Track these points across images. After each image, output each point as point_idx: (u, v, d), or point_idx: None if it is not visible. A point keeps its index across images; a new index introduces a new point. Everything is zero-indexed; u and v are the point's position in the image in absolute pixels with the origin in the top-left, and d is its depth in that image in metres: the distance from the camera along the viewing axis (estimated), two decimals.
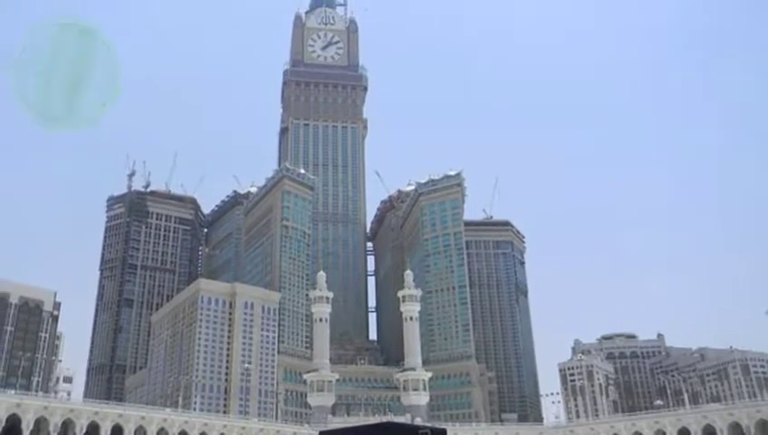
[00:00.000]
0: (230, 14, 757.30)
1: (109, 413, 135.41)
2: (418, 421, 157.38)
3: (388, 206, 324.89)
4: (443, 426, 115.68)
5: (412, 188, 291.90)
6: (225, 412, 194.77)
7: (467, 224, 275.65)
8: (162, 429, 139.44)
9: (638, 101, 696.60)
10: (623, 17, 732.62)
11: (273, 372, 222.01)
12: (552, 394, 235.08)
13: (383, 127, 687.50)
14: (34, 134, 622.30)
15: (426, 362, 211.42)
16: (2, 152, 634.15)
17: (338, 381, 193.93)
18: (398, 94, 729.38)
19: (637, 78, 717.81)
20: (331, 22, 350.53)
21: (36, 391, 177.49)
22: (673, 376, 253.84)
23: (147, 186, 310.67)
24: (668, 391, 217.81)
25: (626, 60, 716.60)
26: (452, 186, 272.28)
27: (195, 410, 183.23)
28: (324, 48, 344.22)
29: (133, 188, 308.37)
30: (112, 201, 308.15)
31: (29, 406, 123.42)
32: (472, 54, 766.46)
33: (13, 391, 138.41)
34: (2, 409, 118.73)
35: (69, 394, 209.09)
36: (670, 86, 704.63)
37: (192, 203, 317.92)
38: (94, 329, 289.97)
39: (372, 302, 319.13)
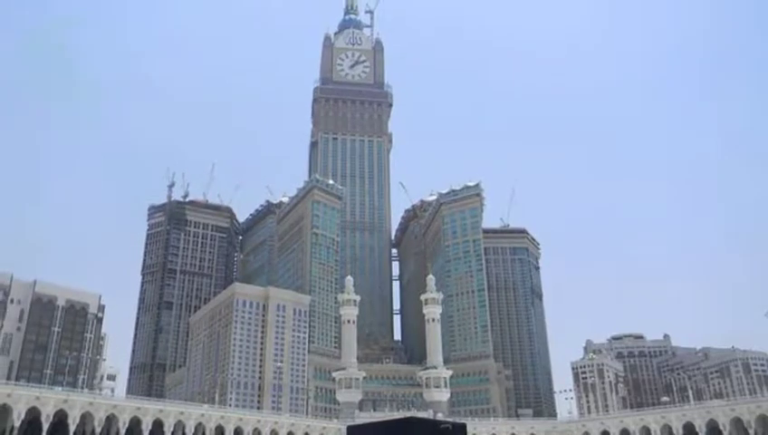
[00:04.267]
0: (263, 35, 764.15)
1: (150, 409, 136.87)
2: (440, 416, 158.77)
3: (411, 215, 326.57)
4: (463, 421, 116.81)
5: (434, 198, 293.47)
6: (258, 408, 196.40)
7: (485, 231, 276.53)
8: (200, 423, 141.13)
9: (646, 112, 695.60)
10: (631, 35, 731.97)
11: (303, 371, 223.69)
12: (565, 391, 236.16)
13: (407, 140, 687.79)
14: (80, 146, 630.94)
15: (447, 361, 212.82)
16: (50, 163, 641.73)
17: (365, 378, 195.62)
18: (421, 109, 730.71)
19: (648, 89, 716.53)
20: (359, 42, 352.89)
21: (82, 388, 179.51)
22: (678, 374, 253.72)
23: (185, 196, 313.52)
24: (674, 388, 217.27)
25: (636, 72, 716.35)
26: (471, 196, 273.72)
27: (230, 406, 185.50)
28: (352, 67, 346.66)
29: (173, 198, 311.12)
30: (153, 210, 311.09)
31: (75, 402, 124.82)
32: (488, 70, 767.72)
33: (60, 389, 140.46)
34: (50, 405, 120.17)
35: (113, 391, 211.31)
36: (676, 96, 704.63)
37: (228, 212, 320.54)
38: (136, 330, 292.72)
39: (397, 304, 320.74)
